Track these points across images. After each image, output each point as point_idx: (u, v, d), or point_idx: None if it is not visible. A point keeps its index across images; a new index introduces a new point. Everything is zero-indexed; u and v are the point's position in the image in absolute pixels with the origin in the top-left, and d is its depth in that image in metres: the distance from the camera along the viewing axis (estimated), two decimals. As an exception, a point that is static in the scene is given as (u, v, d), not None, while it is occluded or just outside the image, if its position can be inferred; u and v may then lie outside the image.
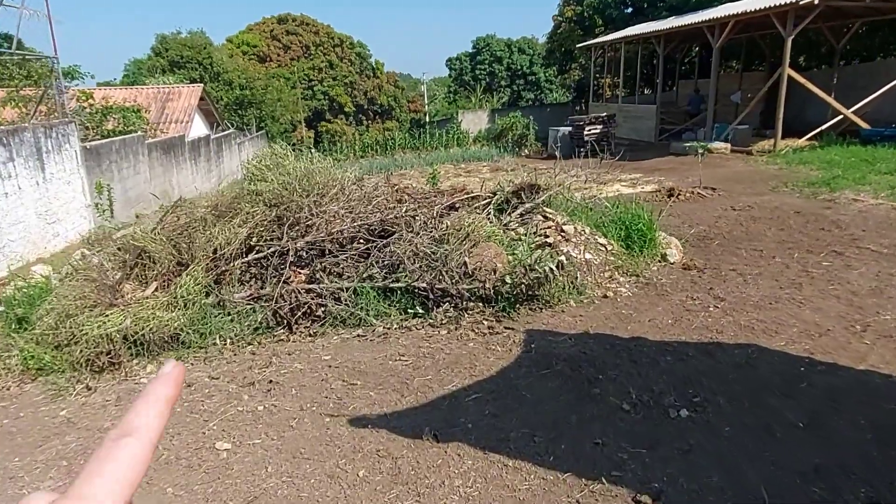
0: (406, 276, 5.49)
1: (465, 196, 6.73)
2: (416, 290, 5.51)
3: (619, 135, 23.49)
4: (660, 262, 6.28)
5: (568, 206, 6.83)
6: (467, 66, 46.62)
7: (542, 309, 5.27)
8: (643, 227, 6.23)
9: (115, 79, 37.74)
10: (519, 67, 44.56)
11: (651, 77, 28.61)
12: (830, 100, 15.39)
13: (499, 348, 4.50)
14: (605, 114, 21.22)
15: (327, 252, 5.88)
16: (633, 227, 6.31)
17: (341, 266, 5.78)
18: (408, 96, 59.78)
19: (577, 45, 27.76)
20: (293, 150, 7.78)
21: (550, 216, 6.49)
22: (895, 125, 14.53)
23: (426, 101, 60.87)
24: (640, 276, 5.91)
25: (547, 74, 42.34)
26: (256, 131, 33.35)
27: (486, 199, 6.70)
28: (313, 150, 7.91)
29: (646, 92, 28.75)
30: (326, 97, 51.27)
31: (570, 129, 22.01)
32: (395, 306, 5.50)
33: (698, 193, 10.36)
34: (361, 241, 6.05)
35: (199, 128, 24.91)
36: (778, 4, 14.26)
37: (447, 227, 6.06)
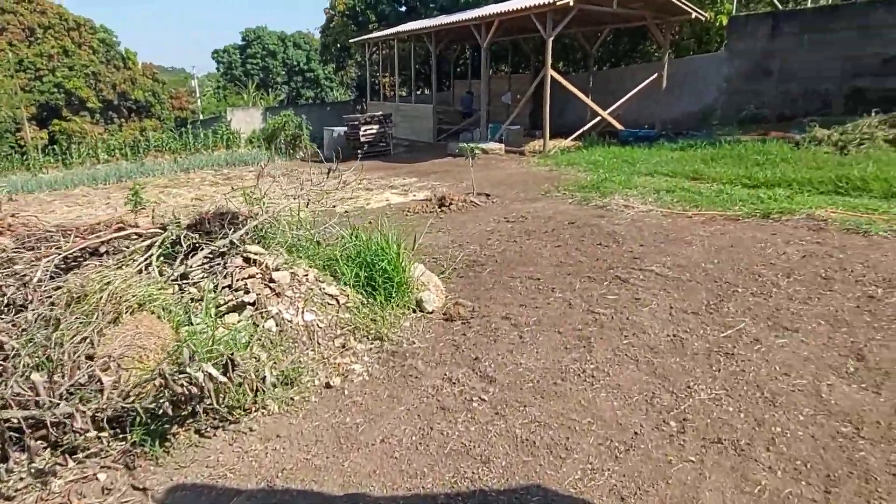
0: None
1: (116, 235, 4.26)
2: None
3: (398, 135, 22.34)
4: (414, 311, 4.55)
5: (286, 240, 4.75)
6: (237, 59, 42.18)
7: (217, 427, 3.13)
8: (388, 266, 4.43)
9: None
10: (296, 63, 41.52)
11: (429, 76, 28.11)
12: (589, 101, 15.74)
13: (81, 567, 2.25)
14: (380, 113, 19.79)
15: None
16: (377, 266, 4.48)
17: None
18: (171, 91, 52.38)
19: (349, 41, 26.08)
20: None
21: (257, 258, 4.36)
22: (647, 126, 15.29)
23: (198, 98, 54.27)
24: (385, 339, 4.09)
25: (326, 71, 40.03)
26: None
27: (151, 237, 4.31)
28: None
29: (426, 92, 28.22)
30: (62, 90, 42.36)
31: (345, 129, 20.23)
32: (-72, 460, 2.90)
33: (471, 202, 9.13)
34: None
35: None
36: (537, 5, 14.05)
37: (65, 292, 3.58)
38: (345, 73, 32.18)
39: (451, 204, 9.03)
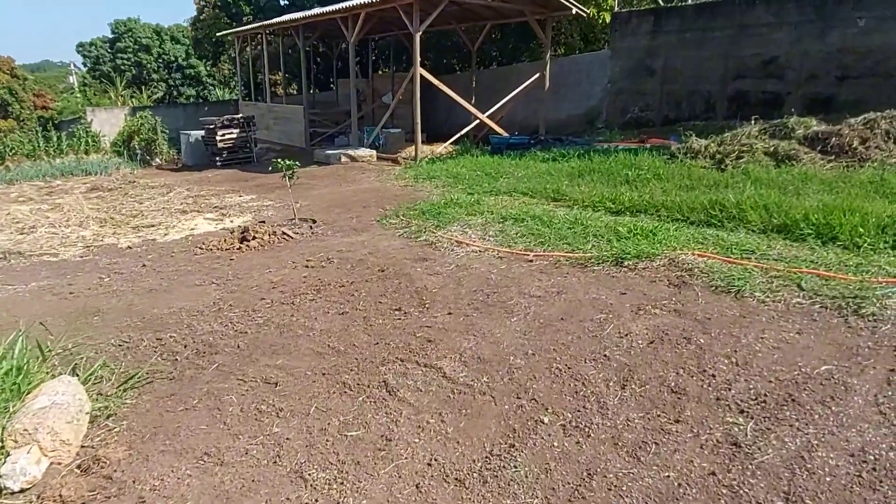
0: None
1: None
2: None
3: (272, 139, 20.01)
4: (-15, 497, 2.55)
5: None
6: (106, 53, 37.72)
7: None
8: None
9: None
10: (174, 59, 37.63)
11: (310, 74, 25.75)
12: (463, 101, 14.09)
13: None
14: (240, 116, 17.35)
15: None
16: None
17: None
18: (34, 89, 46.47)
19: (217, 34, 23.28)
20: None
21: None
22: (517, 133, 13.90)
23: (76, 94, 48.64)
24: None
25: (207, 68, 36.52)
26: None
27: None
28: None
29: (317, 90, 25.83)
30: None
31: (202, 133, 17.67)
32: None
33: (283, 234, 7.15)
34: None
35: None
36: (401, -7, 12.27)
37: None
38: (218, 69, 29.11)
39: (255, 237, 7.01)
